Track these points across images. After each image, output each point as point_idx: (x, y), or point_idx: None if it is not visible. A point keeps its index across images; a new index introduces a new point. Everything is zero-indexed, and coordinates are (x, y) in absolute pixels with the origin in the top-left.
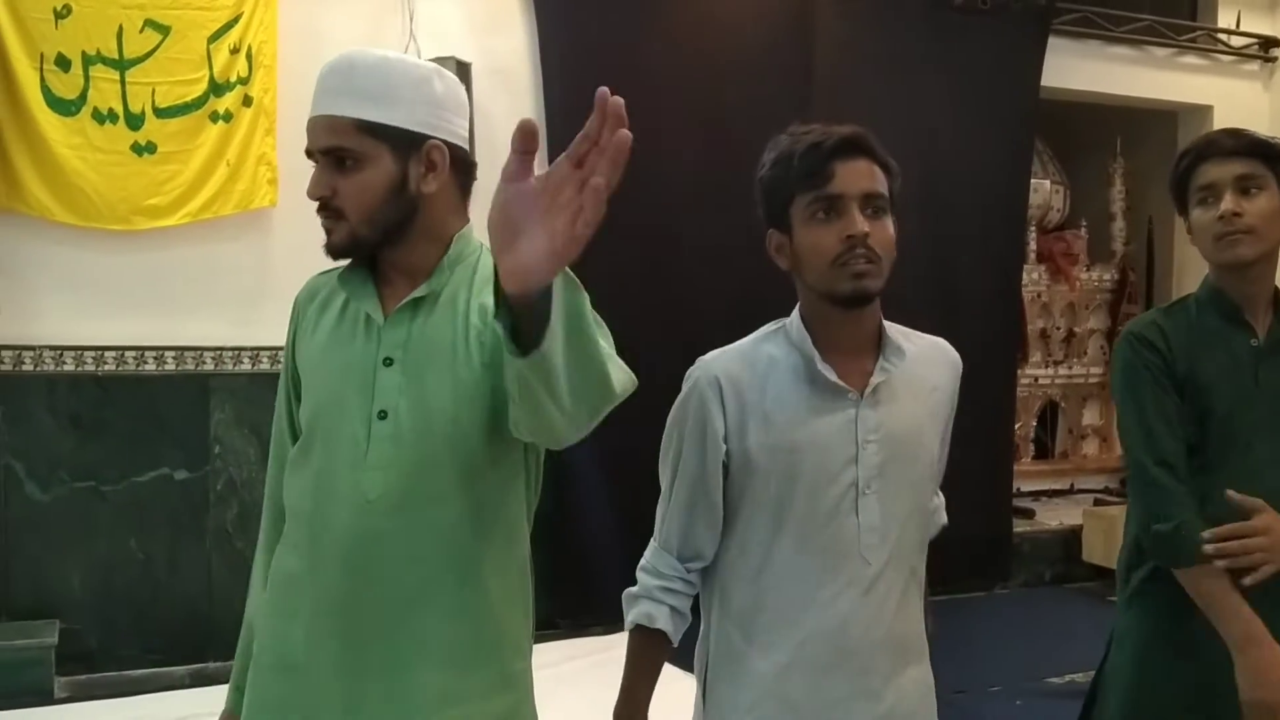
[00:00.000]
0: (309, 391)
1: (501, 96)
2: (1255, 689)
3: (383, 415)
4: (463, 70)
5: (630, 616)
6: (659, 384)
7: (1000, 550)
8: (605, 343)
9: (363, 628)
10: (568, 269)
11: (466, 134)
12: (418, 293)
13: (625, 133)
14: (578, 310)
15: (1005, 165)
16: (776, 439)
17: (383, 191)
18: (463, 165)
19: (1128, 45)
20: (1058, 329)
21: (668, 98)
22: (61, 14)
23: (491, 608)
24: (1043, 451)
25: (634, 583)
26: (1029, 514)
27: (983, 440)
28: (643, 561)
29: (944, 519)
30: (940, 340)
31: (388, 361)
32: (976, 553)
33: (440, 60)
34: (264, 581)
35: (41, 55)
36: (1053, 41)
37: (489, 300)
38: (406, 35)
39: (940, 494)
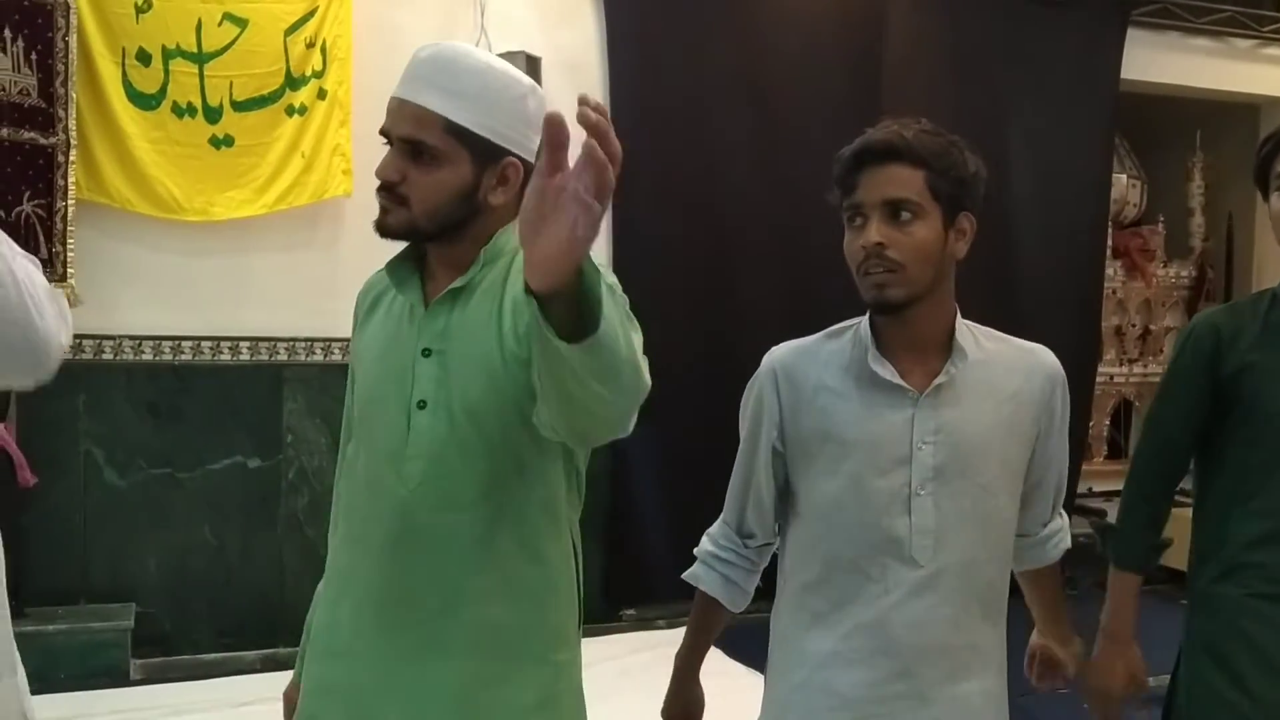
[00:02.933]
0: (358, 384)
1: (570, 90)
2: (1100, 677)
3: (421, 405)
4: (532, 64)
5: (685, 573)
6: (719, 381)
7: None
8: (637, 335)
9: (402, 615)
10: (596, 266)
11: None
12: (456, 284)
13: (599, 154)
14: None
15: (1085, 161)
16: (828, 430)
17: (453, 193)
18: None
19: (1208, 37)
20: (1133, 326)
21: (735, 92)
22: (142, 8)
23: (531, 596)
24: (1115, 451)
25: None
26: (1099, 514)
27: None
28: (709, 529)
29: (1066, 543)
30: (1036, 346)
31: (426, 352)
32: None
33: (510, 54)
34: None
35: (123, 50)
36: (1131, 33)
37: (520, 292)
38: (477, 29)
39: (1063, 516)
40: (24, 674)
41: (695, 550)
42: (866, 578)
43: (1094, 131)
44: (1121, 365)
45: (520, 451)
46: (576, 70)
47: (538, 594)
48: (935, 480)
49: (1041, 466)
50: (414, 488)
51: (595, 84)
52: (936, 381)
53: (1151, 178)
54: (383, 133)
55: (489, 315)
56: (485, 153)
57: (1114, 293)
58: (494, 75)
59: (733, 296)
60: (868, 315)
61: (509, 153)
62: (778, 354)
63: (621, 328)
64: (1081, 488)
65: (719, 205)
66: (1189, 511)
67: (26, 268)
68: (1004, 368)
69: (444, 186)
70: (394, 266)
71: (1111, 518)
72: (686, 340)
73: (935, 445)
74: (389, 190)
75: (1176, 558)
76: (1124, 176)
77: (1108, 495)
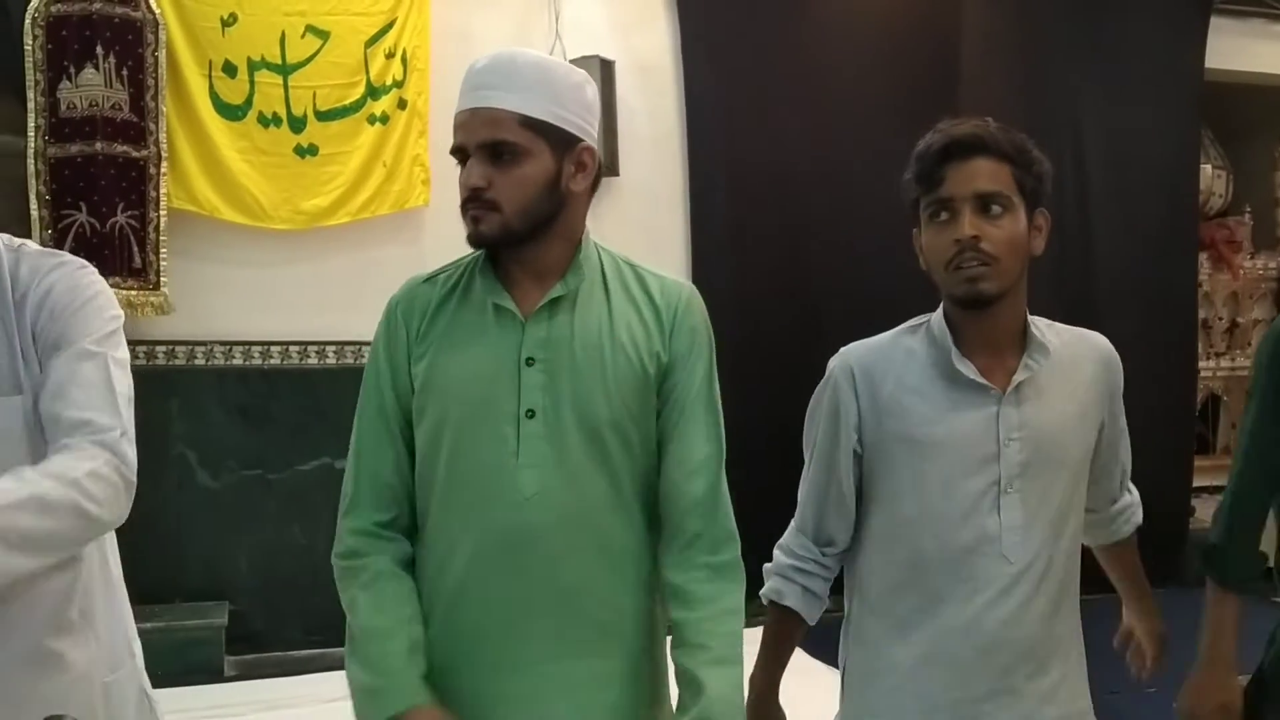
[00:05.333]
0: (438, 394)
1: (644, 93)
2: (1192, 699)
3: (530, 414)
4: (606, 68)
5: (762, 591)
6: (787, 376)
7: (1171, 549)
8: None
9: (524, 621)
10: None
11: None
12: (555, 292)
13: None
14: None
15: (1171, 151)
16: (910, 431)
17: (539, 186)
18: (598, 174)
19: None
20: (1220, 319)
21: (810, 93)
22: (228, 22)
23: (637, 594)
24: (1203, 446)
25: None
26: (1188, 511)
27: (1157, 437)
28: (781, 540)
29: (1138, 518)
30: (1088, 332)
31: (530, 361)
32: (1143, 552)
33: (584, 59)
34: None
35: (210, 62)
36: (1215, 21)
37: (649, 319)
38: (552, 35)
39: (1133, 491)
40: (142, 657)
41: (767, 566)
42: (956, 578)
43: (1178, 123)
44: (1209, 359)
45: (630, 456)
46: (650, 73)
47: (644, 591)
48: (1022, 477)
49: (1109, 448)
50: (531, 495)
51: (669, 86)
52: (1018, 379)
53: (1237, 168)
54: (455, 150)
55: (600, 325)
56: (561, 141)
57: (1200, 285)
58: (552, 66)
59: (808, 294)
60: (940, 311)
61: (581, 139)
62: (852, 354)
63: None
64: None
65: (794, 206)
66: None
67: (77, 480)
68: (1071, 358)
69: (530, 181)
70: (482, 275)
71: (1202, 514)
72: (763, 336)
73: (1020, 442)
74: (476, 198)
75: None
76: (1209, 167)
77: (1196, 491)
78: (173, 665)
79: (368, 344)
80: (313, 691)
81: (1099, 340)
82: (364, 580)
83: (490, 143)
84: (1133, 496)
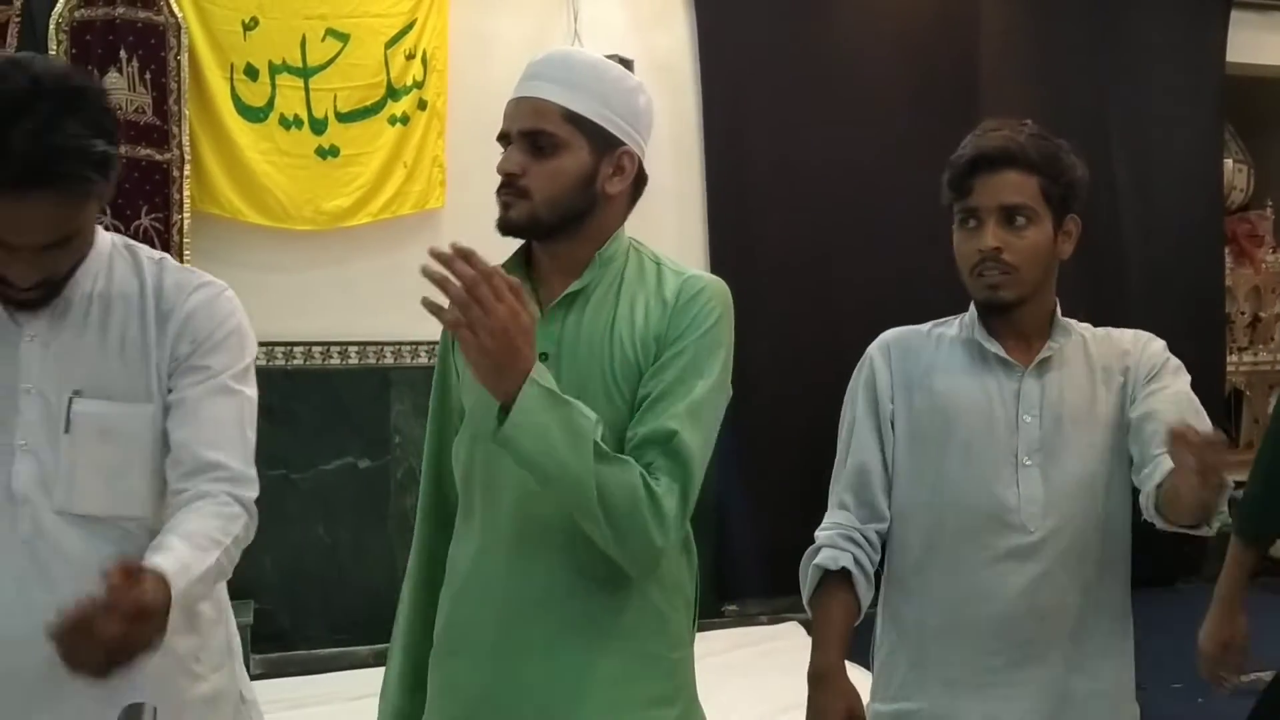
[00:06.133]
0: (466, 384)
1: (662, 93)
2: (1205, 638)
3: None
4: (625, 67)
5: (813, 564)
6: (819, 376)
7: (1187, 543)
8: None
9: (523, 612)
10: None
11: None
12: (573, 287)
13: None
14: None
15: (1193, 146)
16: (936, 402)
17: (573, 180)
18: (640, 180)
19: None
20: (1242, 314)
21: (828, 92)
22: (249, 26)
23: (650, 594)
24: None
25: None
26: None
27: None
28: (820, 527)
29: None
30: (1119, 330)
31: (543, 356)
32: (1161, 547)
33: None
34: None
35: (231, 65)
36: (1235, 15)
37: (653, 313)
38: (571, 35)
39: None
40: (241, 658)
41: (809, 550)
42: (975, 546)
43: (1200, 117)
44: (1231, 354)
45: None
46: (669, 72)
47: (658, 591)
48: (1041, 450)
49: (1145, 414)
50: (536, 489)
51: (687, 85)
52: (1041, 356)
53: (1259, 162)
54: (501, 136)
55: (606, 323)
56: (602, 141)
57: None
58: (606, 68)
59: (826, 294)
60: (972, 307)
61: (623, 143)
62: (888, 334)
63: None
64: None
65: (812, 205)
66: None
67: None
68: (1097, 341)
69: (564, 174)
70: (508, 269)
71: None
72: (782, 337)
73: (1039, 417)
74: (510, 184)
75: None
76: (1230, 161)
77: None
78: None
79: (389, 344)
80: (338, 689)
81: (1128, 332)
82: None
83: (530, 131)
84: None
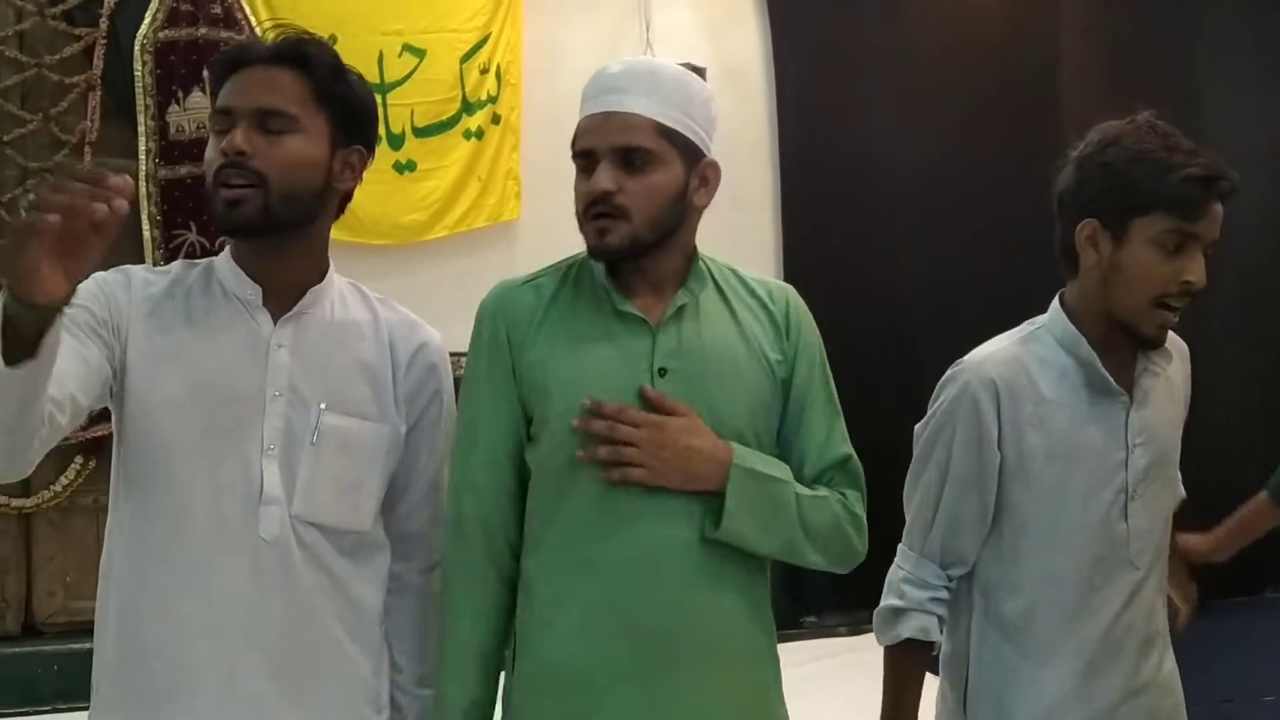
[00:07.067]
0: (562, 400)
1: (735, 99)
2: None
3: None
4: (697, 74)
5: (900, 630)
6: (889, 389)
7: (1271, 553)
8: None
9: (650, 635)
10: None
11: None
12: (680, 299)
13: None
14: None
15: None
16: (1053, 445)
17: (669, 196)
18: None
19: None
20: None
21: (904, 94)
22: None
23: (760, 608)
24: None
25: (880, 578)
26: None
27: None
28: (903, 574)
29: (1182, 491)
30: (1177, 340)
31: (662, 371)
32: (1247, 555)
33: None
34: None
35: None
36: None
37: (761, 317)
38: (643, 44)
39: None
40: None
41: (894, 604)
42: (1089, 588)
43: None
44: None
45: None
46: (741, 78)
47: (763, 605)
48: (1145, 481)
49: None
50: (668, 510)
51: (760, 91)
52: (1142, 384)
53: None
54: (584, 152)
55: (727, 332)
56: (690, 153)
57: None
58: (689, 79)
59: (899, 299)
60: (1057, 316)
61: (705, 154)
62: (989, 367)
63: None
64: None
65: (887, 210)
66: None
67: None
68: (1165, 358)
69: (661, 190)
70: (609, 280)
71: None
72: (859, 345)
73: (1143, 446)
74: (603, 202)
75: None
76: None
77: None
78: None
79: (464, 355)
80: None
81: (1178, 340)
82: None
83: (624, 148)
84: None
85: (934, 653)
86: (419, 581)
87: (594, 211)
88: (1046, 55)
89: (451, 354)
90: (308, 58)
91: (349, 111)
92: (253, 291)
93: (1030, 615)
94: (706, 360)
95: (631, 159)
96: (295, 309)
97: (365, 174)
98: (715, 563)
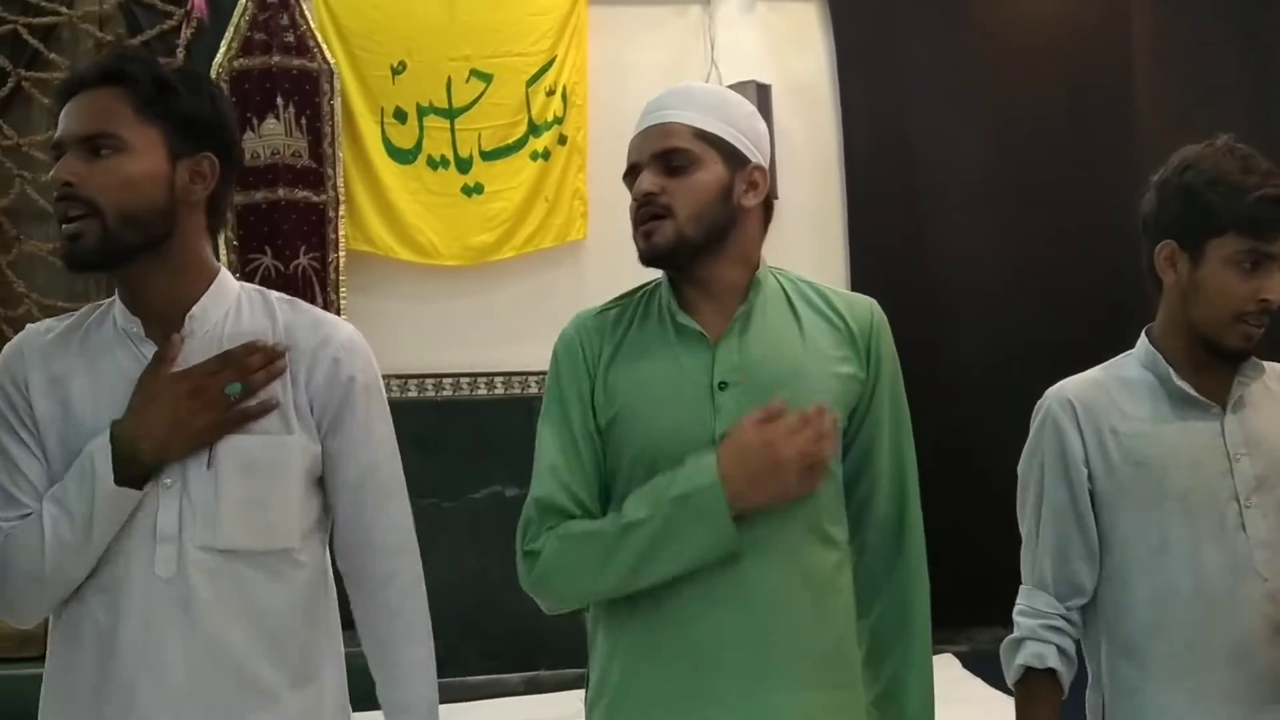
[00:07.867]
0: (635, 418)
1: (800, 116)
2: None
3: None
4: (763, 93)
5: (1017, 661)
6: (962, 402)
7: None
8: None
9: (722, 652)
10: None
11: None
12: (742, 310)
13: None
14: None
15: None
16: (1139, 456)
17: (712, 194)
18: (769, 203)
19: None
20: None
21: (971, 108)
22: (398, 70)
23: (842, 623)
24: None
25: (982, 598)
26: None
27: None
28: (1019, 607)
29: None
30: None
31: (722, 385)
32: None
33: (740, 85)
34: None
35: (381, 109)
36: None
37: (836, 325)
38: (708, 63)
39: None
40: (334, 684)
41: (1011, 637)
42: (1214, 606)
43: None
44: None
45: (828, 473)
46: (807, 95)
47: (850, 619)
48: (1259, 491)
49: None
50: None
51: (826, 108)
52: (1237, 394)
53: None
54: (631, 169)
55: (791, 343)
56: (732, 156)
57: None
58: (726, 94)
59: (973, 314)
60: (1142, 344)
61: (751, 160)
62: (1068, 390)
63: None
64: None
65: (957, 226)
66: None
67: None
68: (1258, 371)
69: (703, 186)
70: (668, 293)
71: None
72: (928, 358)
73: (1250, 456)
74: (649, 204)
75: None
76: None
77: None
78: (356, 690)
79: (535, 374)
80: (488, 717)
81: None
82: (560, 533)
83: (663, 151)
84: None
85: (1063, 691)
86: (376, 599)
87: (640, 216)
88: (1116, 60)
89: (518, 372)
90: (125, 74)
91: (183, 120)
92: (134, 324)
93: (1152, 636)
94: (767, 373)
95: (671, 160)
96: (184, 332)
97: (434, 198)
98: (775, 576)
